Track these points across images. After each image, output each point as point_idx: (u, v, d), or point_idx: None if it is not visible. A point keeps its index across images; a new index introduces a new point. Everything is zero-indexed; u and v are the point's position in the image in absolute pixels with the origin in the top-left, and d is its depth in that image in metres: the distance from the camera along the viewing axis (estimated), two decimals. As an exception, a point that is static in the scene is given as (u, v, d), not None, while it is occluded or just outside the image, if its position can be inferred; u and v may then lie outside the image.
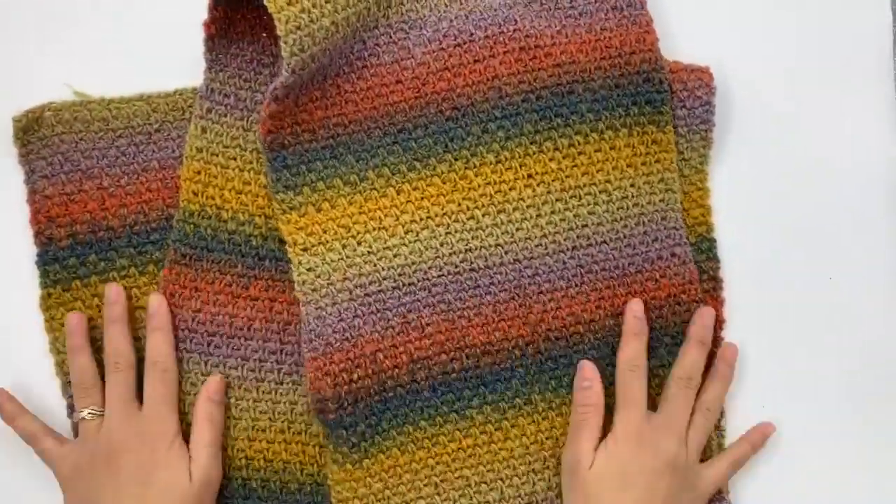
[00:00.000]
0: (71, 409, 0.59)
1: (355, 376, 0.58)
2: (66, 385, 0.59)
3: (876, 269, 0.63)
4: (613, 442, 0.57)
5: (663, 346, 0.60)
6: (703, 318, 0.60)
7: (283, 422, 0.59)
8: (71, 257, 0.59)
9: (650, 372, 0.60)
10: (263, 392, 0.59)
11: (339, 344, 0.58)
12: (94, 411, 0.57)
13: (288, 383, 0.59)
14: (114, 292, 0.58)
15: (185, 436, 0.58)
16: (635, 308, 0.59)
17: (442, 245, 0.59)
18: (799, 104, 0.64)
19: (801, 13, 0.64)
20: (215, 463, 0.57)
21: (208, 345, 0.59)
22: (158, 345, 0.58)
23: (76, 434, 0.58)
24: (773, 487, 0.61)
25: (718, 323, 0.62)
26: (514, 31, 0.60)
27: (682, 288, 0.60)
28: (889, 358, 0.62)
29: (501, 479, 0.59)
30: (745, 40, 0.64)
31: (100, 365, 0.58)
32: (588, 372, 0.59)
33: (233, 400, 0.59)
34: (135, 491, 0.54)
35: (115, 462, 0.55)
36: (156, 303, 0.58)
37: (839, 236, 0.63)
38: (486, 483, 0.59)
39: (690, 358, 0.59)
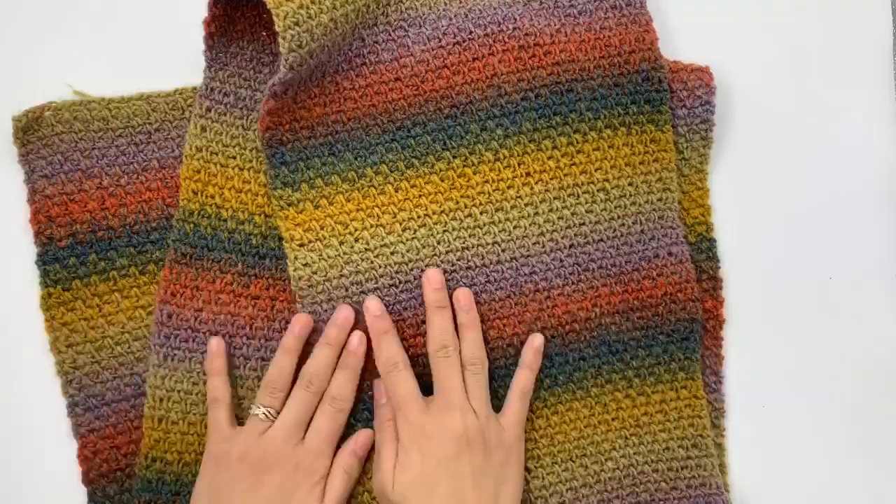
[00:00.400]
0: (72, 407, 0.59)
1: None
2: (67, 385, 0.59)
3: (876, 269, 0.63)
4: (403, 451, 0.56)
5: (659, 343, 0.60)
6: (426, 279, 0.59)
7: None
8: (71, 257, 0.59)
9: (647, 370, 0.60)
10: None
11: None
12: (269, 414, 0.57)
13: None
14: (342, 317, 0.58)
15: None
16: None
17: (439, 243, 0.60)
18: (799, 104, 0.63)
19: (801, 13, 0.64)
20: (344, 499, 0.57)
21: None
22: (344, 383, 0.58)
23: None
24: (773, 487, 0.62)
25: (718, 322, 0.62)
26: (514, 29, 0.60)
27: (678, 286, 0.60)
28: (889, 358, 0.62)
29: None
30: (746, 40, 0.64)
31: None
32: (382, 392, 0.58)
33: (235, 399, 0.59)
34: None
35: (262, 475, 0.55)
36: (356, 340, 0.58)
37: (839, 236, 0.63)
38: None
39: (436, 325, 0.58)
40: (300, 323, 0.58)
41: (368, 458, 0.59)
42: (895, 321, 0.63)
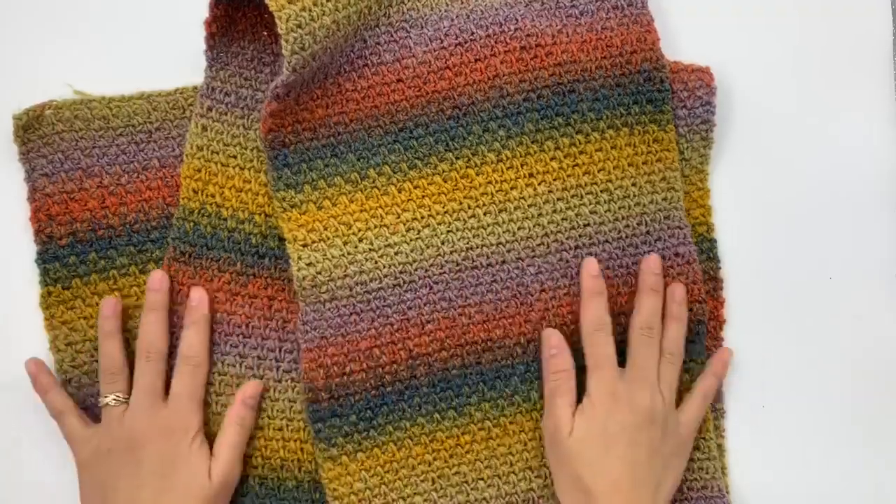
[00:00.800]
0: None
1: (348, 370, 0.58)
2: (66, 383, 0.59)
3: (876, 269, 0.63)
4: (590, 404, 0.57)
5: (664, 345, 0.60)
6: (648, 264, 0.60)
7: (281, 419, 0.59)
8: (71, 255, 0.59)
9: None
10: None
11: (333, 338, 0.58)
12: (118, 398, 0.57)
13: (286, 381, 0.59)
14: (157, 280, 0.58)
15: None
16: (590, 268, 0.59)
17: (443, 243, 0.59)
18: (799, 104, 0.64)
19: (801, 13, 0.64)
20: (237, 465, 0.57)
21: None
22: (193, 339, 0.58)
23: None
24: (773, 487, 0.61)
25: (719, 323, 0.62)
26: (516, 30, 0.60)
27: (686, 287, 0.60)
28: (889, 358, 0.62)
29: (499, 476, 0.59)
30: (746, 41, 0.64)
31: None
32: (554, 340, 0.59)
33: (231, 398, 0.59)
34: (154, 483, 0.54)
35: (137, 452, 0.55)
36: (196, 296, 0.58)
37: (839, 236, 0.63)
38: (483, 480, 0.59)
39: (647, 306, 0.59)
40: (107, 306, 0.58)
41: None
42: (895, 321, 0.62)
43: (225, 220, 0.59)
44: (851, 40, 0.64)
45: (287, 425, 0.59)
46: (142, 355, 0.57)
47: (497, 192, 0.60)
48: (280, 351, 0.60)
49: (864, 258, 0.63)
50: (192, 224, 0.59)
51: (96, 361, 0.59)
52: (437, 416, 0.59)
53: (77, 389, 0.59)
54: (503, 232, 0.60)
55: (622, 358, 0.59)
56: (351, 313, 0.58)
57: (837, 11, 0.64)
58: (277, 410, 0.59)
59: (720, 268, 0.62)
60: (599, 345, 0.58)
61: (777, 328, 0.62)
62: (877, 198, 0.63)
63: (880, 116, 0.64)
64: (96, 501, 0.56)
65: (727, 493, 0.61)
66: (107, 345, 0.57)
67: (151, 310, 0.58)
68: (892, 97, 0.64)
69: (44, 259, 0.59)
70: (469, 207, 0.60)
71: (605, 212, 0.60)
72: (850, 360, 0.62)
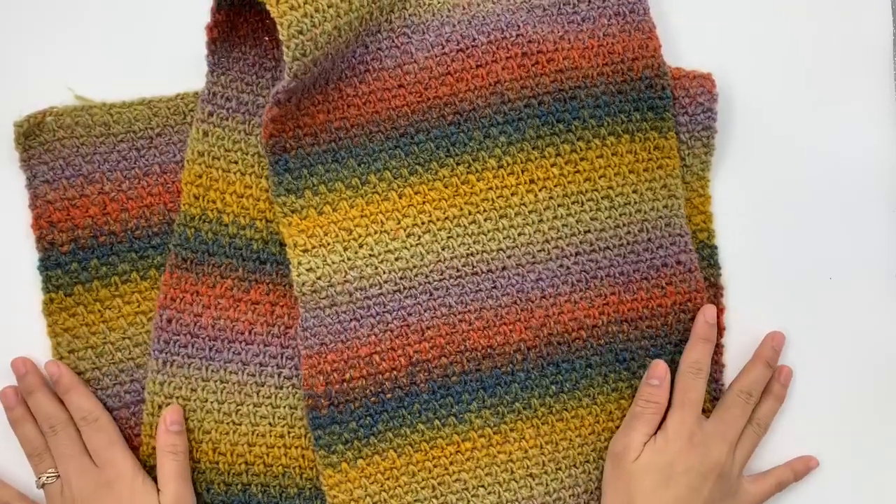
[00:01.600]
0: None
1: (348, 376, 0.58)
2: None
3: (876, 269, 0.63)
4: (664, 439, 0.57)
5: (666, 353, 0.60)
6: (774, 340, 0.61)
7: (282, 426, 0.59)
8: (73, 262, 0.59)
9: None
10: (263, 396, 0.59)
11: (333, 344, 0.58)
12: (51, 474, 0.57)
13: (288, 387, 0.59)
14: (18, 365, 0.58)
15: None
16: (708, 314, 0.60)
17: (444, 249, 0.59)
18: (799, 105, 0.63)
19: (801, 14, 0.64)
20: (185, 491, 0.57)
21: (209, 349, 0.59)
22: (77, 402, 0.58)
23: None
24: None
25: (720, 330, 0.62)
26: (517, 36, 0.60)
27: (688, 296, 0.60)
28: (889, 358, 0.62)
29: (499, 484, 0.59)
30: (747, 43, 0.64)
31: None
32: (660, 371, 0.59)
33: (233, 405, 0.59)
34: None
35: None
36: (53, 368, 0.58)
37: (839, 236, 0.63)
38: (483, 487, 0.59)
39: (755, 374, 0.60)
40: (8, 397, 0.58)
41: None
42: (895, 321, 0.62)
43: (226, 225, 0.59)
44: (851, 40, 0.64)
45: (289, 432, 0.59)
46: (47, 431, 0.58)
47: (498, 197, 0.60)
48: (282, 357, 0.60)
49: (864, 258, 0.63)
50: (193, 230, 0.59)
51: (97, 368, 0.59)
52: (437, 422, 0.59)
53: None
54: (504, 238, 0.60)
55: (629, 367, 0.59)
56: (351, 319, 0.58)
57: (837, 12, 0.64)
58: (279, 417, 0.59)
59: (721, 275, 0.62)
60: (692, 389, 0.58)
61: (776, 328, 0.62)
62: (877, 198, 0.63)
63: (880, 116, 0.64)
64: None
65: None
66: (20, 431, 0.58)
67: (30, 393, 0.58)
68: (892, 97, 0.64)
69: (46, 266, 0.59)
70: (470, 213, 0.60)
71: (606, 218, 0.60)
72: (850, 361, 0.62)
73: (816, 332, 0.62)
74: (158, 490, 0.57)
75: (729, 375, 0.62)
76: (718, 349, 0.61)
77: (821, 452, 0.62)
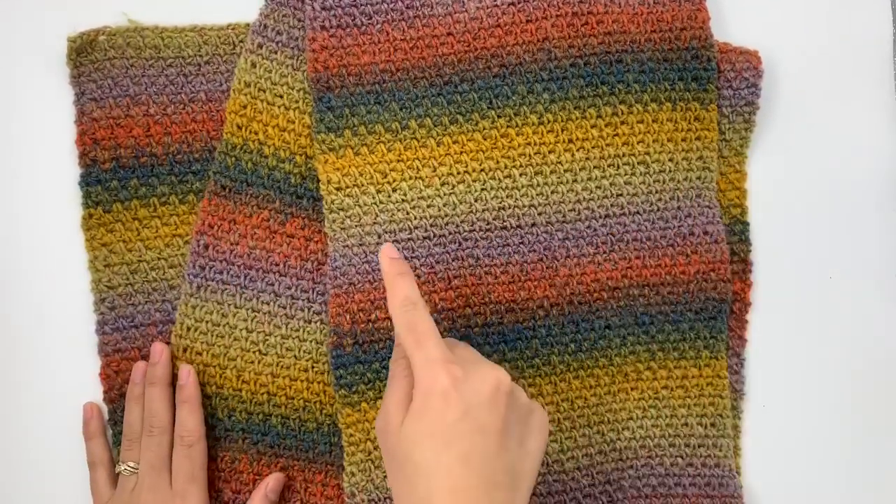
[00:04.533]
0: (101, 325, 0.60)
1: (373, 317, 0.59)
2: (100, 303, 0.60)
3: (876, 269, 0.63)
4: (420, 394, 0.47)
5: (687, 320, 0.61)
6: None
7: (307, 360, 0.60)
8: (113, 180, 0.60)
9: (672, 345, 0.61)
10: (292, 329, 0.60)
11: (360, 285, 0.59)
12: (133, 469, 0.57)
13: (316, 322, 0.60)
14: (157, 351, 0.58)
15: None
16: (388, 251, 0.52)
17: (476, 200, 0.60)
18: (798, 104, 0.63)
19: (800, 14, 0.63)
20: None
21: (244, 277, 0.60)
22: (186, 418, 0.58)
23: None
24: (771, 487, 0.62)
25: (745, 305, 0.62)
26: None
27: (711, 266, 0.61)
28: (889, 358, 0.62)
29: None
30: (746, 41, 0.63)
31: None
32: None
33: (262, 335, 0.60)
34: None
35: None
36: (185, 373, 0.58)
37: (839, 236, 0.63)
38: None
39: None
40: (139, 371, 0.58)
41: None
42: (895, 321, 0.62)
43: (266, 157, 0.60)
44: (851, 40, 0.63)
45: (312, 367, 0.60)
46: (146, 429, 0.57)
47: (535, 154, 0.60)
48: (313, 292, 0.60)
49: (864, 258, 0.63)
50: (233, 159, 0.60)
51: (131, 285, 0.60)
52: None
53: (110, 309, 0.60)
54: (537, 195, 0.60)
55: (647, 331, 0.59)
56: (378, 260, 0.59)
57: (837, 11, 0.63)
58: (304, 351, 0.60)
59: (751, 250, 0.62)
60: (418, 321, 0.49)
61: (776, 328, 0.62)
62: (877, 198, 0.63)
63: (880, 116, 0.63)
64: None
65: (738, 473, 0.61)
66: (131, 411, 0.58)
67: (153, 384, 0.58)
68: (892, 97, 0.63)
69: (87, 182, 0.60)
70: (506, 167, 0.60)
71: (640, 184, 0.61)
72: (849, 360, 0.62)
73: (816, 331, 0.62)
74: None
75: (752, 351, 0.62)
76: (742, 324, 0.62)
77: (820, 452, 0.62)
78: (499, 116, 0.60)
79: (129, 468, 0.57)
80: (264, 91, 0.60)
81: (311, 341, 0.60)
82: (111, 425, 0.60)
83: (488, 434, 0.46)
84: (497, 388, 0.47)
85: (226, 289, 0.60)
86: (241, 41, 0.61)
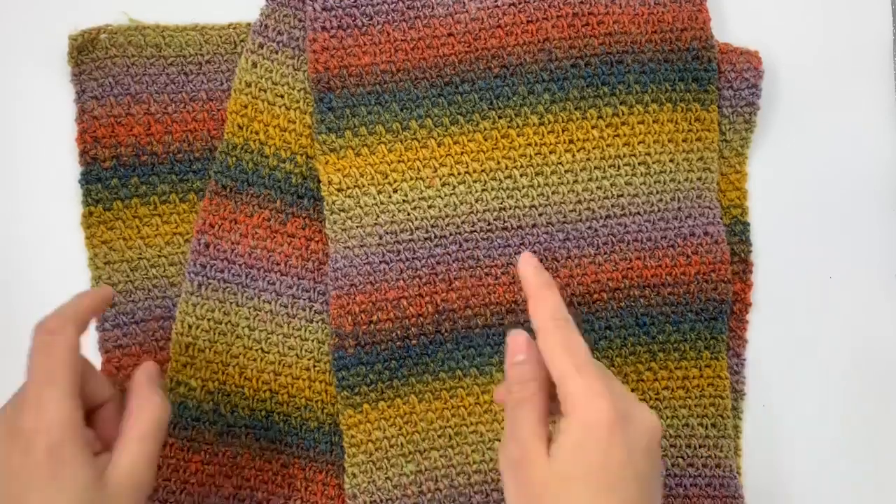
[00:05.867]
0: (101, 322, 0.60)
1: (375, 318, 0.59)
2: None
3: (876, 269, 0.63)
4: (580, 427, 0.43)
5: (687, 321, 0.61)
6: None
7: (309, 359, 0.60)
8: (114, 178, 0.60)
9: (672, 346, 0.61)
10: (293, 328, 0.60)
11: (362, 286, 0.59)
12: None
13: (318, 321, 0.60)
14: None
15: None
16: (528, 259, 0.50)
17: (477, 201, 0.60)
18: (798, 103, 0.63)
19: (800, 14, 0.64)
20: (147, 466, 0.44)
21: (245, 276, 0.60)
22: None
23: None
24: (771, 486, 0.62)
25: (745, 306, 0.62)
26: None
27: (712, 266, 0.61)
28: (889, 358, 0.62)
29: None
30: (745, 41, 0.63)
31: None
32: (522, 343, 0.47)
33: (263, 333, 0.60)
34: None
35: None
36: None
37: (839, 236, 0.63)
38: (499, 440, 0.60)
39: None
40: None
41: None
42: (895, 321, 0.62)
43: (267, 157, 0.60)
44: (851, 40, 0.63)
45: (314, 366, 0.60)
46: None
47: (536, 154, 0.60)
48: (314, 292, 0.60)
49: (864, 258, 0.63)
50: (234, 159, 0.60)
51: (131, 282, 0.60)
52: (459, 372, 0.60)
53: (110, 306, 0.60)
54: (537, 195, 0.60)
55: (648, 331, 0.59)
56: (380, 262, 0.59)
57: (837, 11, 0.64)
58: (306, 350, 0.60)
59: (751, 251, 0.62)
60: (573, 343, 0.46)
61: (776, 328, 0.62)
62: (877, 198, 0.63)
63: (880, 116, 0.63)
64: None
65: (739, 473, 0.61)
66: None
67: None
68: (892, 97, 0.63)
69: (87, 180, 0.60)
70: (506, 168, 0.60)
71: (641, 184, 0.61)
72: (850, 360, 0.62)
73: (816, 331, 0.62)
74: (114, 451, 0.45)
75: (752, 352, 0.62)
76: (742, 324, 0.62)
77: (820, 452, 0.62)
78: (499, 117, 0.60)
79: None
80: (265, 91, 0.60)
81: (312, 340, 0.60)
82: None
83: (643, 483, 0.42)
84: (655, 433, 0.44)
85: (227, 287, 0.60)
86: (242, 40, 0.61)
